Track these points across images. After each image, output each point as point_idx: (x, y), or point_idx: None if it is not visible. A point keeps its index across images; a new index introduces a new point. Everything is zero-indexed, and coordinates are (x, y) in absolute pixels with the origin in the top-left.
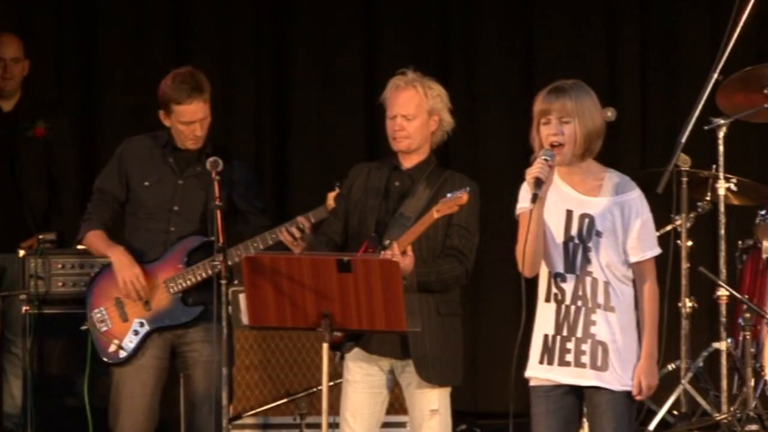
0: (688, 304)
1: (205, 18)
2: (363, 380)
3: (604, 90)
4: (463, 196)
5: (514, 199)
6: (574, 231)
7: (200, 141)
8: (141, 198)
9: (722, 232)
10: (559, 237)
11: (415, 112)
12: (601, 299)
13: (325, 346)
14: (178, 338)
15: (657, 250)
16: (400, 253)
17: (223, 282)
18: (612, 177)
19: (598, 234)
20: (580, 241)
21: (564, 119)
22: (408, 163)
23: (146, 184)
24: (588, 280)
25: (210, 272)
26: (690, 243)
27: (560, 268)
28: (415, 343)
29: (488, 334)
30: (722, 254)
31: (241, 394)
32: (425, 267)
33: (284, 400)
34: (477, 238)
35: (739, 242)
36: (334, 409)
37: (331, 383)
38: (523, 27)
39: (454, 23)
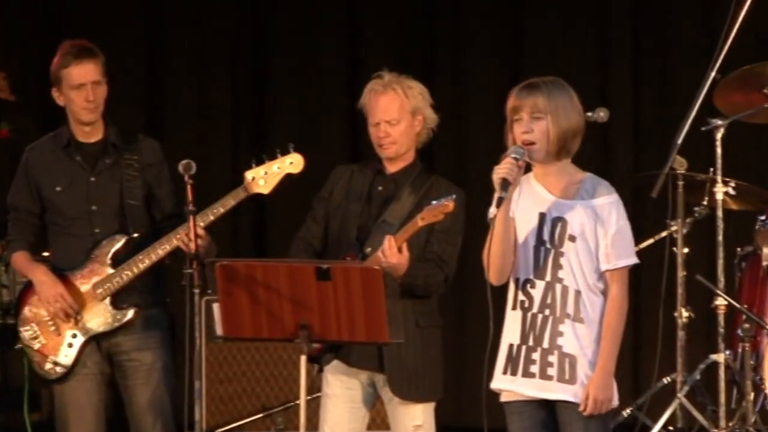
0: (685, 314)
1: (181, 19)
2: (343, 394)
3: (595, 90)
4: (448, 205)
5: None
6: (546, 235)
7: (95, 110)
8: (56, 204)
9: (720, 238)
10: (529, 241)
11: (398, 116)
12: (570, 309)
13: (303, 358)
14: (114, 347)
15: (632, 260)
16: (397, 249)
17: (196, 290)
18: (589, 180)
19: (572, 238)
20: (552, 246)
21: (535, 115)
22: (392, 167)
23: (58, 189)
24: (558, 287)
25: (137, 270)
26: (686, 250)
27: (530, 273)
28: (390, 358)
29: (473, 344)
30: (720, 262)
31: (215, 408)
32: (412, 269)
33: (260, 415)
34: (459, 245)
35: (738, 249)
36: (313, 424)
37: (310, 397)
38: (511, 25)
39: (440, 21)
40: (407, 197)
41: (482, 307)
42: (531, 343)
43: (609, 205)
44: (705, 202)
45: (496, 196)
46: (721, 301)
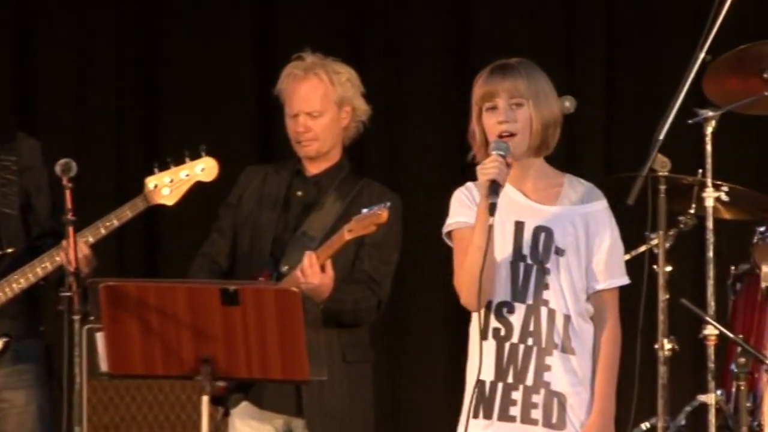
0: (667, 345)
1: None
2: None
3: (560, 77)
4: (382, 214)
5: (445, 215)
6: (526, 248)
7: None
8: None
9: (710, 254)
10: (505, 255)
11: (321, 107)
12: (559, 337)
13: (205, 399)
14: None
15: (625, 279)
16: (319, 268)
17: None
18: (573, 182)
19: (559, 252)
20: (535, 261)
21: (515, 101)
22: (314, 167)
23: None
24: (543, 311)
25: (10, 292)
26: (669, 268)
27: (506, 295)
28: (311, 399)
29: (411, 383)
30: (710, 282)
31: None
32: (338, 292)
33: None
34: (394, 263)
35: (732, 267)
36: None
37: None
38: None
39: None
40: (332, 204)
41: (423, 338)
42: (510, 380)
43: (601, 212)
44: (692, 211)
45: (486, 202)
46: (711, 330)
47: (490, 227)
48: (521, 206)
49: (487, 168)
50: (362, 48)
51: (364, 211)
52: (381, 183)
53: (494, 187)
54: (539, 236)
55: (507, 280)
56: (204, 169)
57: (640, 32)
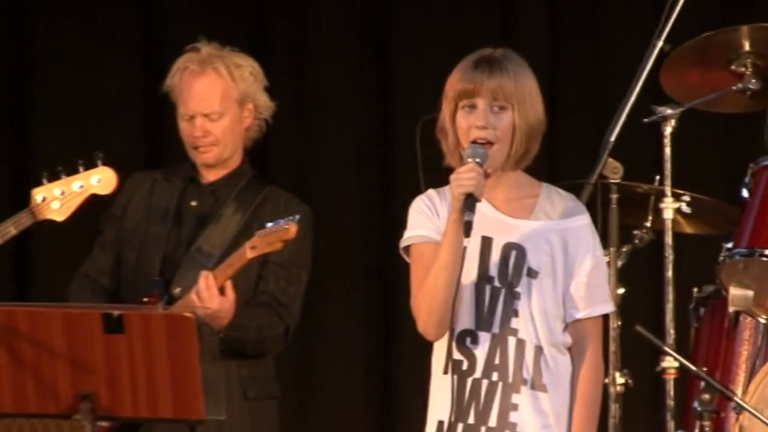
0: (620, 380)
1: None
2: None
3: None
4: (289, 229)
5: (366, 227)
6: (493, 268)
7: None
8: None
9: (669, 274)
10: (469, 276)
11: (221, 108)
12: (528, 372)
13: None
14: None
15: (610, 306)
16: (218, 290)
17: None
18: (550, 194)
19: (531, 273)
20: (503, 284)
21: (499, 104)
22: (211, 174)
23: None
24: (511, 342)
25: None
26: (622, 290)
27: (468, 322)
28: None
29: (323, 419)
30: (669, 307)
31: None
32: (239, 318)
33: None
34: (304, 284)
35: (695, 289)
36: None
37: None
38: None
39: None
40: (231, 216)
41: (336, 371)
42: (471, 420)
43: (583, 229)
44: (648, 224)
45: (460, 218)
46: (670, 362)
47: (464, 250)
48: (490, 219)
49: (464, 179)
50: (265, 34)
51: (269, 225)
52: (289, 191)
53: (470, 202)
54: (509, 255)
55: (470, 305)
56: (101, 180)
57: (588, 16)
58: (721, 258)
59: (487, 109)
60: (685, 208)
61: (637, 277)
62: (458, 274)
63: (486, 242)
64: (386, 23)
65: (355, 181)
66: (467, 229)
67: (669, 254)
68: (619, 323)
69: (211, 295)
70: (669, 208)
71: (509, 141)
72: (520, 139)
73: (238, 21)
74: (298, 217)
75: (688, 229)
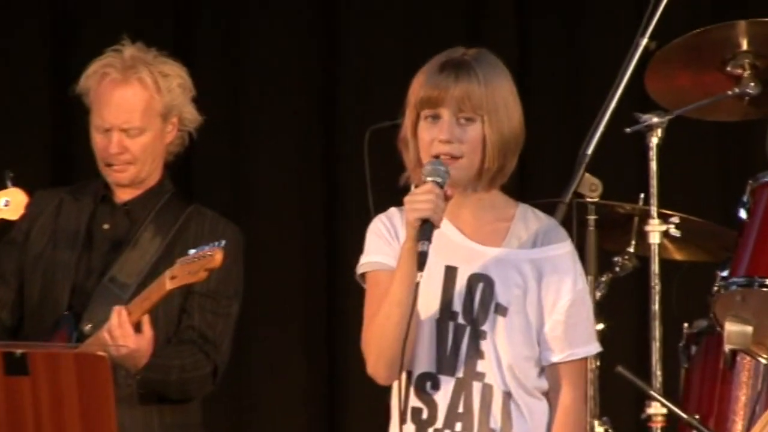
0: (599, 429)
1: None
2: None
3: None
4: (214, 256)
5: (308, 251)
6: (457, 303)
7: None
8: None
9: (656, 307)
10: (430, 311)
11: (142, 123)
12: (496, 422)
13: None
14: None
15: (594, 347)
16: (132, 327)
17: None
18: (527, 216)
19: (500, 309)
20: (468, 321)
21: (465, 116)
22: (126, 193)
23: None
24: (477, 387)
25: None
26: (601, 326)
27: (428, 365)
28: None
29: None
30: (656, 345)
31: None
32: (159, 358)
33: None
34: (235, 317)
35: (685, 325)
36: None
37: None
38: None
39: None
40: (150, 240)
41: (274, 415)
42: None
43: (562, 258)
44: (632, 249)
45: (414, 247)
46: (657, 409)
47: (417, 285)
48: (454, 246)
49: (418, 201)
50: (193, 29)
51: (192, 252)
52: (219, 210)
53: (426, 230)
54: (475, 287)
55: (431, 345)
56: (9, 203)
57: (560, 11)
58: (716, 288)
59: (452, 121)
60: (673, 231)
61: (619, 310)
62: (412, 311)
63: (450, 272)
64: (333, 20)
65: (295, 199)
66: (421, 261)
67: (655, 284)
68: (598, 364)
69: (124, 332)
70: (655, 231)
71: (478, 156)
72: (492, 155)
73: (160, 13)
74: (224, 242)
75: (677, 255)
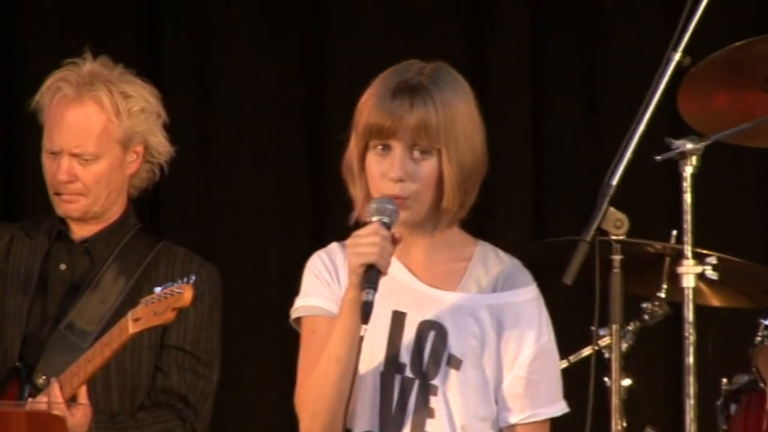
0: None
1: None
2: None
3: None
4: (183, 293)
5: (288, 294)
6: (405, 354)
7: None
8: None
9: (690, 360)
10: (373, 362)
11: (97, 148)
12: None
13: None
14: None
15: (559, 407)
16: (63, 401)
17: None
18: (487, 256)
19: (453, 362)
20: (417, 374)
21: (421, 149)
22: (84, 229)
23: None
24: None
25: None
26: (628, 381)
27: (371, 423)
28: None
29: None
30: (690, 402)
31: None
32: (119, 425)
33: None
34: (216, 373)
35: (723, 380)
36: None
37: None
38: None
39: None
40: (112, 283)
41: None
42: None
43: (525, 306)
44: (662, 294)
45: (357, 296)
46: None
47: (360, 339)
48: (403, 289)
49: (362, 245)
50: (159, 38)
51: (158, 290)
52: (189, 248)
53: (371, 277)
54: (426, 337)
55: (374, 401)
56: None
57: (583, 23)
58: (758, 339)
59: (405, 155)
60: (710, 273)
61: (648, 364)
62: (354, 368)
63: (397, 319)
64: (322, 24)
65: (275, 237)
66: (365, 312)
67: (689, 334)
68: (625, 425)
69: (60, 407)
70: (689, 273)
71: (431, 194)
72: (451, 193)
73: (127, 24)
74: (193, 278)
75: (714, 300)
